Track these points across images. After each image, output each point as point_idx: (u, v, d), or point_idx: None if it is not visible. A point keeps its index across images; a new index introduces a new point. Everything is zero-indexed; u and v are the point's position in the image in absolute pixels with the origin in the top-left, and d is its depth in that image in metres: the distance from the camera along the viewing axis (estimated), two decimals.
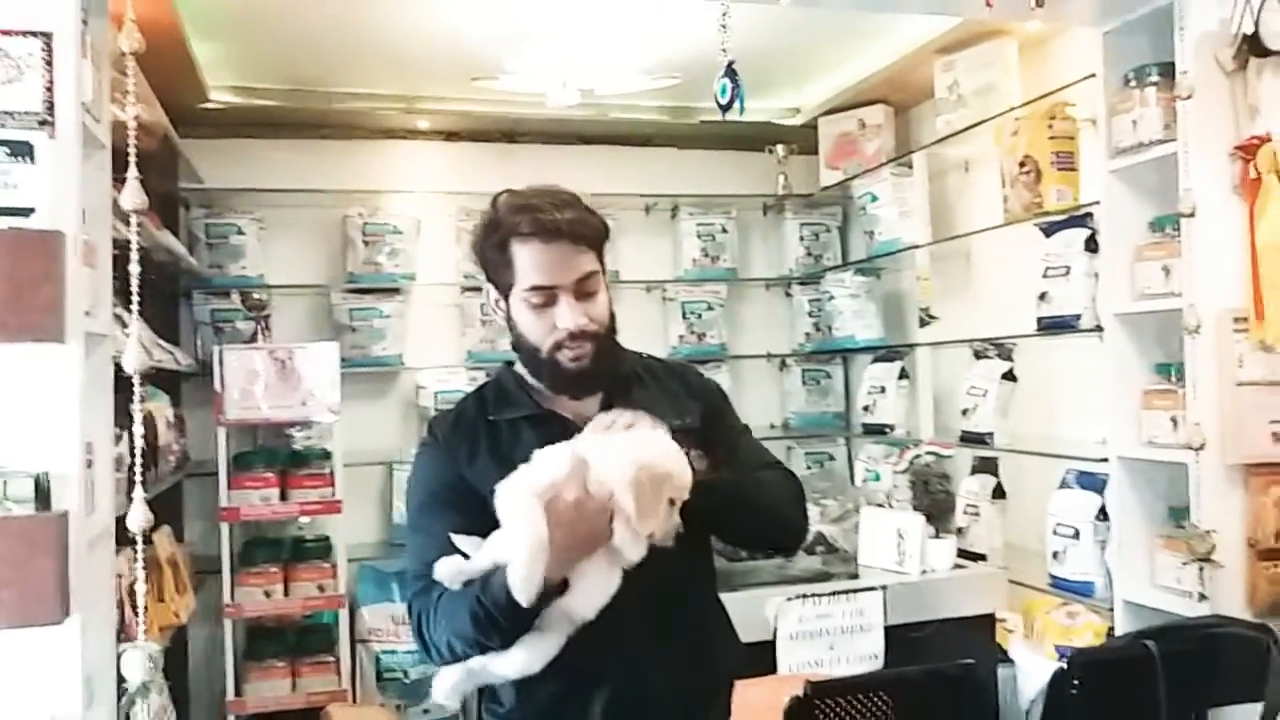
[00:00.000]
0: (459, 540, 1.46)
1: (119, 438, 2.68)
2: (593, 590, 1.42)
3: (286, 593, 3.77)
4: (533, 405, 1.57)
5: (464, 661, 1.47)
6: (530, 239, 1.50)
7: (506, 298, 1.56)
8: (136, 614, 1.94)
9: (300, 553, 3.92)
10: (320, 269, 4.39)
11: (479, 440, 1.56)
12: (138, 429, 1.92)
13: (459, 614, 1.40)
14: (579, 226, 1.51)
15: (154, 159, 3.66)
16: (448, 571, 1.43)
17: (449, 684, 1.50)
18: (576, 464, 1.38)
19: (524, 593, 1.33)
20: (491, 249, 1.54)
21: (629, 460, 1.37)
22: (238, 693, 3.69)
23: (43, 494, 1.83)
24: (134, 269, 1.92)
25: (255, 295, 4.12)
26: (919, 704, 2.21)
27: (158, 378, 3.65)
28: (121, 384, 3.18)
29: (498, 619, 1.37)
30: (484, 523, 1.45)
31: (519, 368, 1.61)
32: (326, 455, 3.89)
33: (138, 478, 1.92)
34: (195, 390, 4.05)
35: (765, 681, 2.75)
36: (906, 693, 2.19)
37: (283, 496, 3.79)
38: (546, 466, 1.40)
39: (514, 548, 1.36)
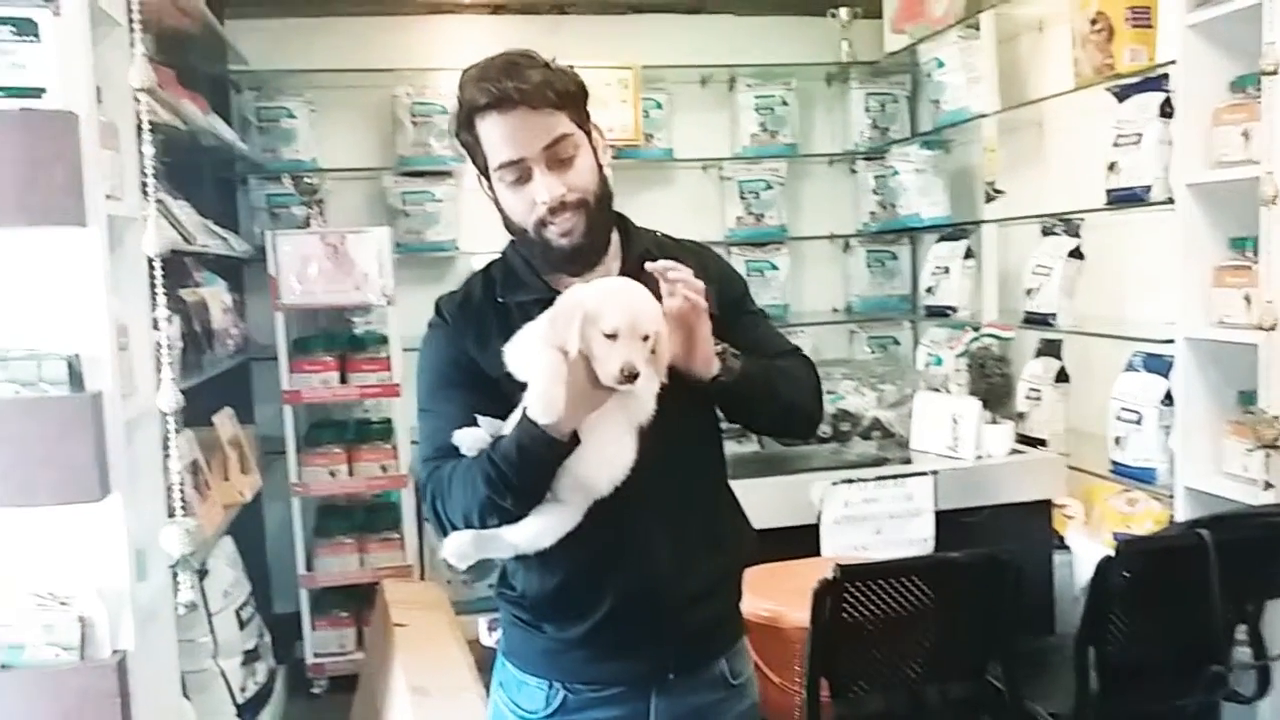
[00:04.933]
0: (481, 420, 1.43)
1: (169, 321, 2.74)
2: (607, 457, 1.39)
3: (351, 473, 3.88)
4: (542, 287, 1.51)
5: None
6: (488, 112, 1.41)
7: (489, 179, 1.50)
8: (170, 492, 1.99)
9: (363, 434, 4.02)
10: (372, 152, 4.37)
11: (488, 323, 1.51)
12: (161, 312, 1.94)
13: (473, 481, 1.38)
14: (539, 89, 1.40)
15: (198, 41, 3.65)
16: (469, 439, 1.41)
17: (457, 545, 1.47)
18: (570, 305, 1.33)
19: (545, 413, 1.29)
20: (464, 131, 1.47)
21: (622, 306, 1.32)
22: (309, 568, 3.85)
23: (75, 376, 1.86)
24: (147, 149, 1.90)
25: (307, 179, 4.12)
26: (958, 590, 2.17)
27: (215, 263, 3.71)
28: (173, 268, 3.25)
29: (510, 476, 1.34)
30: (496, 405, 1.43)
31: None
32: (384, 340, 3.94)
33: (164, 359, 1.94)
34: (256, 276, 4.11)
35: (809, 563, 2.75)
36: (943, 578, 2.16)
37: (342, 380, 3.86)
38: (543, 315, 1.37)
39: (531, 374, 1.32)
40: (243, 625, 3.34)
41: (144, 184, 1.99)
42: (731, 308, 1.59)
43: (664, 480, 1.44)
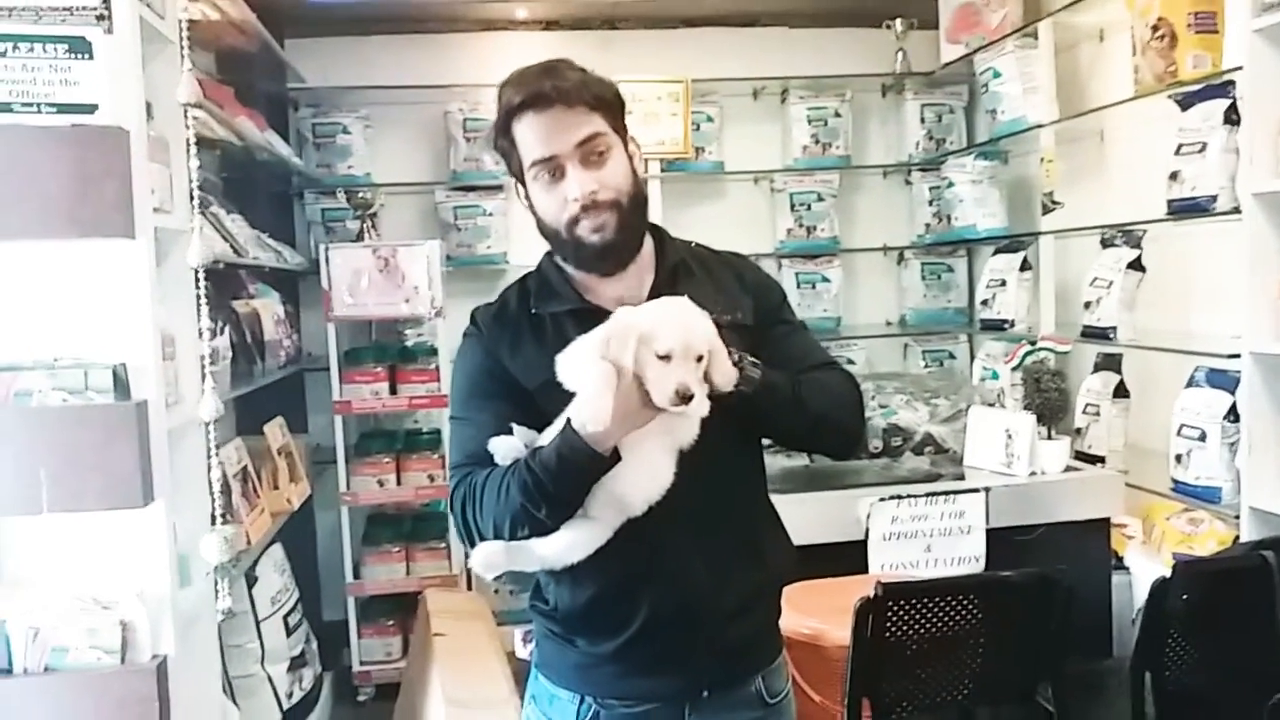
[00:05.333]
0: (517, 430, 1.42)
1: (219, 331, 2.79)
2: (645, 476, 1.37)
3: (399, 482, 3.92)
4: (575, 298, 1.50)
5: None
6: (524, 111, 1.42)
7: (526, 186, 1.50)
8: (213, 500, 2.01)
9: (412, 444, 4.06)
10: (425, 167, 4.42)
11: (522, 333, 1.51)
12: (204, 323, 1.97)
13: (505, 489, 1.37)
14: (575, 90, 1.42)
15: (257, 60, 3.73)
16: (504, 448, 1.41)
17: (485, 555, 1.45)
18: (625, 326, 1.33)
19: (593, 421, 1.28)
20: (501, 137, 1.48)
21: (678, 324, 1.31)
22: (356, 576, 3.88)
23: (121, 384, 1.90)
24: (192, 163, 1.94)
25: (361, 194, 4.18)
26: (1007, 610, 2.11)
27: (269, 276, 3.78)
28: (226, 280, 3.32)
29: (547, 485, 1.33)
30: (529, 416, 1.42)
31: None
32: (433, 351, 3.97)
33: (205, 368, 1.97)
34: (310, 288, 4.18)
35: (853, 580, 2.70)
36: (992, 597, 2.10)
37: (392, 391, 3.90)
38: (598, 331, 1.36)
39: (581, 384, 1.32)
40: (290, 631, 3.38)
41: (191, 197, 2.02)
42: (767, 317, 1.57)
43: (701, 496, 1.41)
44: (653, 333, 1.30)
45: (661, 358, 1.30)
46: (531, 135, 1.43)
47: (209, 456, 2.04)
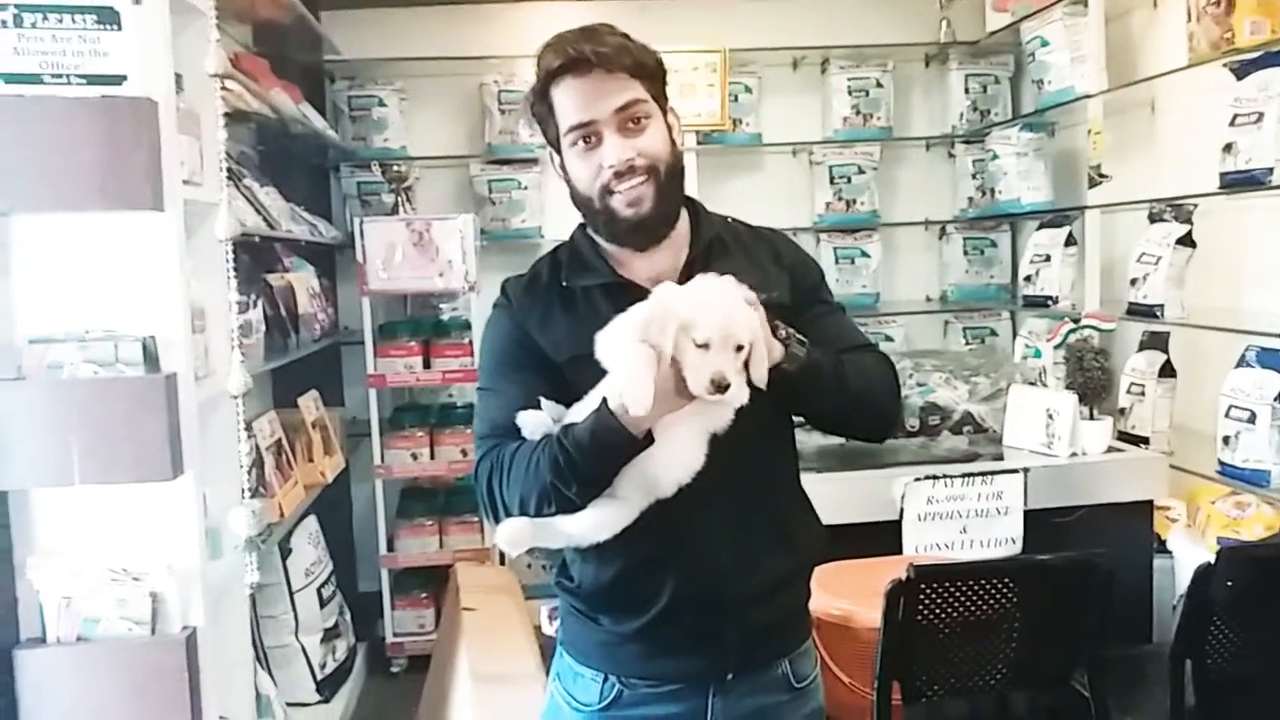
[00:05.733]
0: (545, 404, 1.41)
1: (253, 305, 2.79)
2: (677, 458, 1.35)
3: (433, 456, 3.93)
4: (607, 271, 1.48)
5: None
6: (563, 76, 1.39)
7: (561, 154, 1.47)
8: (247, 474, 2.02)
9: (445, 418, 4.06)
10: (460, 140, 4.40)
11: (552, 306, 1.48)
12: (234, 296, 1.96)
13: (535, 464, 1.35)
14: (616, 54, 1.38)
15: (292, 32, 3.72)
16: (532, 421, 1.39)
17: (511, 531, 1.42)
18: (666, 311, 1.30)
19: (634, 405, 1.26)
20: (538, 102, 1.45)
21: (722, 312, 1.29)
22: (390, 548, 3.91)
23: (150, 357, 1.90)
24: (221, 135, 1.92)
25: (396, 167, 4.17)
26: (1043, 595, 2.06)
27: (305, 249, 3.79)
28: (260, 253, 3.33)
29: (579, 463, 1.31)
30: (557, 390, 1.41)
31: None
32: (467, 326, 3.97)
33: (234, 342, 1.97)
34: (346, 262, 4.18)
35: (885, 561, 2.66)
36: (1028, 581, 2.05)
37: (426, 365, 3.91)
38: (638, 311, 1.33)
39: (621, 365, 1.30)
40: (324, 603, 3.41)
41: (221, 169, 2.01)
42: (804, 296, 1.53)
43: (732, 478, 1.39)
44: (693, 320, 1.28)
45: (700, 346, 1.27)
46: (569, 100, 1.40)
47: (239, 430, 2.04)
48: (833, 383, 1.43)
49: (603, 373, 1.34)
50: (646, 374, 1.27)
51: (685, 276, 1.44)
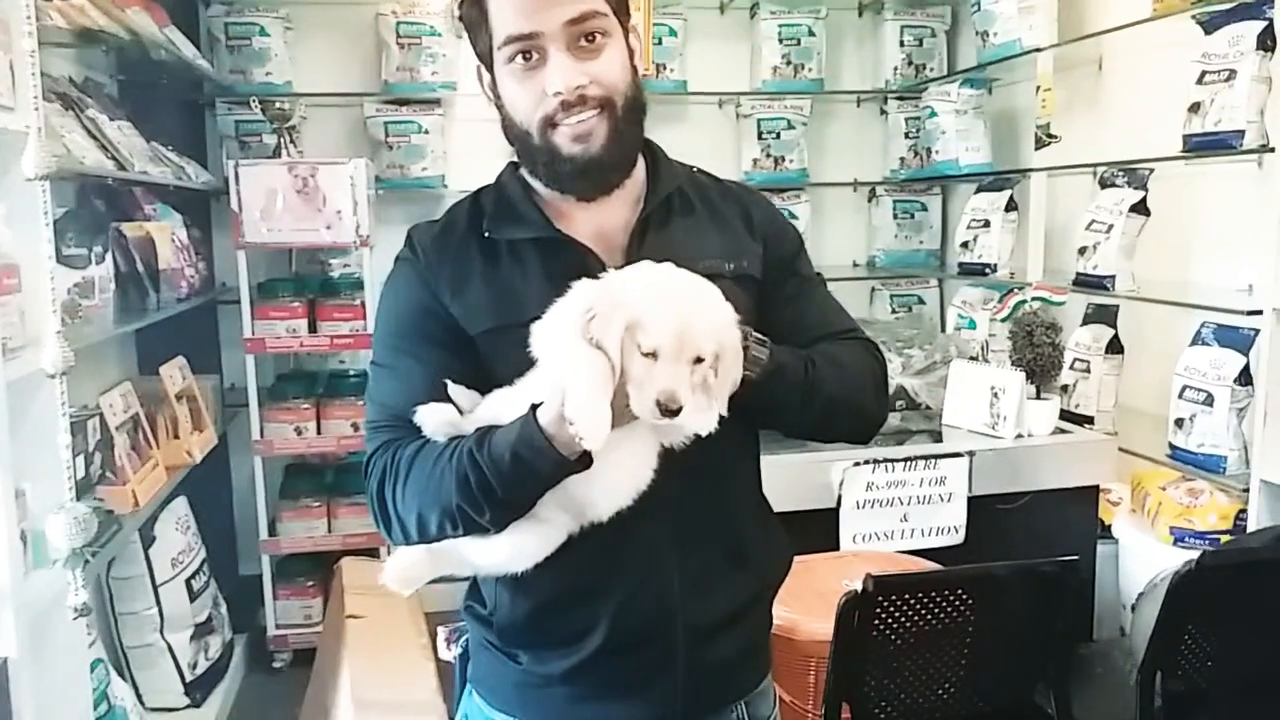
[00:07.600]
0: (454, 390, 1.11)
1: (97, 259, 2.38)
2: (617, 480, 1.07)
3: (319, 430, 3.55)
4: (542, 223, 1.17)
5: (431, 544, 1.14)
6: None
7: (492, 72, 1.17)
8: (70, 469, 1.64)
9: (334, 388, 3.68)
10: (353, 77, 3.97)
11: (470, 262, 1.18)
12: (46, 247, 1.57)
13: (439, 477, 1.06)
14: None
15: None
16: (434, 419, 1.09)
17: (402, 567, 1.20)
18: (613, 302, 1.00)
19: (587, 436, 0.96)
20: (468, 3, 1.15)
21: (677, 317, 0.99)
22: (272, 532, 3.53)
23: None
24: (29, 44, 1.51)
25: (279, 105, 3.72)
26: (1004, 603, 1.84)
27: (173, 196, 3.34)
28: (114, 198, 2.88)
29: (495, 487, 1.03)
30: (468, 368, 1.12)
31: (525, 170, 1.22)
32: (359, 285, 3.58)
33: (52, 310, 1.58)
34: (223, 211, 3.73)
35: (827, 560, 2.43)
36: (988, 591, 1.82)
37: (312, 328, 3.51)
38: (580, 295, 1.03)
39: (567, 376, 0.99)
40: (194, 596, 3.04)
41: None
42: (778, 268, 1.25)
43: (682, 494, 1.13)
44: (642, 319, 0.97)
45: (646, 354, 0.97)
46: (509, 3, 1.11)
47: (61, 416, 1.66)
48: (802, 391, 1.16)
49: (527, 350, 1.04)
50: (602, 394, 0.97)
51: (638, 237, 1.17)
